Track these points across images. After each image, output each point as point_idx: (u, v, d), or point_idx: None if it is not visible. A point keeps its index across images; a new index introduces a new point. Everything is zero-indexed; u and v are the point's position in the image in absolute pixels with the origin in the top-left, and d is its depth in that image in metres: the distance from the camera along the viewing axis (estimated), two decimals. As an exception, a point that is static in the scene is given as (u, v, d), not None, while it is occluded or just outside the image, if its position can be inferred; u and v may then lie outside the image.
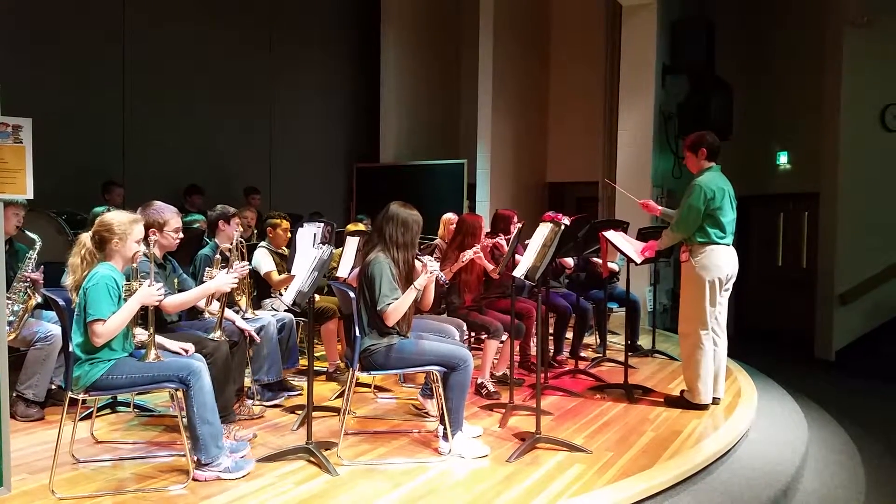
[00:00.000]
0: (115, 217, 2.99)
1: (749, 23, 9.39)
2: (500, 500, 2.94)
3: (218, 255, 3.88)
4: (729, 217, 4.34)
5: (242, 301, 4.18)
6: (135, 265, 3.05)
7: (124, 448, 3.49)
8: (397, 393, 4.71)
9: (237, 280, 3.50)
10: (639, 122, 8.26)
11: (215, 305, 3.73)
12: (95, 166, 6.99)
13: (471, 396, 4.20)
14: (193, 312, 4.16)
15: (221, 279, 3.37)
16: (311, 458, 3.29)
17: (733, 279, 4.43)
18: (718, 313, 4.40)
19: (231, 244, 3.90)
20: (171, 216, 3.55)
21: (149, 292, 2.95)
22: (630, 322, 5.96)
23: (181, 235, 3.61)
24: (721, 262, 4.31)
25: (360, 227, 5.54)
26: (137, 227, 3.03)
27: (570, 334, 5.82)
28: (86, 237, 3.01)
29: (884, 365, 7.13)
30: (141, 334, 3.17)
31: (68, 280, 3.00)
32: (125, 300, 2.94)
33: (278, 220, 5.03)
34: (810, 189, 8.41)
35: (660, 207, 4.92)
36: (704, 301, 4.31)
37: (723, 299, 4.41)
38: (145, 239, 3.11)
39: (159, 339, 3.14)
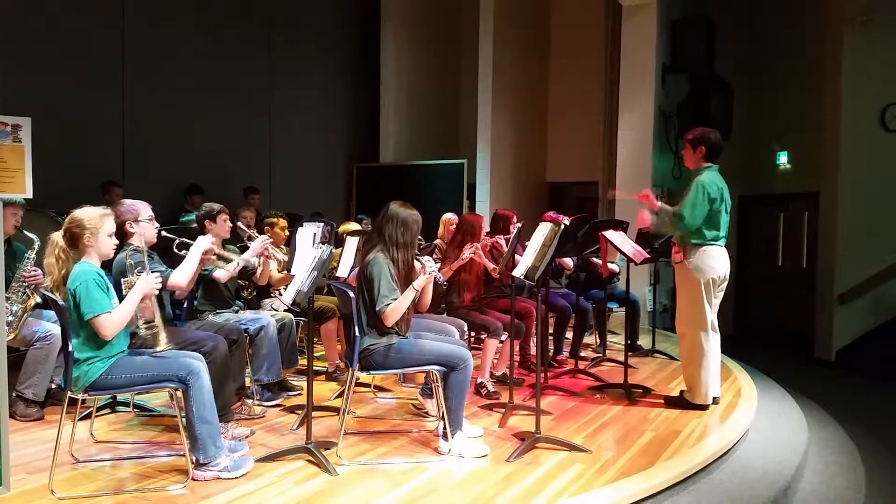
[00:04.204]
0: (85, 213, 2.98)
1: (749, 22, 9.39)
2: (499, 500, 2.94)
3: (130, 262, 3.30)
4: (723, 220, 4.31)
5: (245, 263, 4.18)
6: (130, 262, 3.09)
7: (124, 448, 3.48)
8: (397, 393, 4.70)
9: (159, 283, 3.14)
10: (639, 121, 8.25)
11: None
12: (95, 166, 6.98)
13: (470, 396, 4.20)
14: (194, 312, 4.17)
15: (143, 282, 3.04)
16: (311, 458, 3.29)
17: (727, 280, 4.40)
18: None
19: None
20: (141, 207, 3.61)
21: (148, 282, 3.00)
22: (630, 322, 5.96)
23: (156, 224, 3.64)
24: (715, 262, 4.29)
25: (351, 226, 5.52)
26: (108, 220, 3.02)
27: (569, 334, 5.82)
28: (57, 236, 3.02)
29: (884, 365, 7.13)
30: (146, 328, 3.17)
31: (47, 281, 3.04)
32: (125, 294, 2.97)
33: (275, 219, 5.06)
34: (810, 189, 8.41)
35: (658, 203, 4.62)
36: (701, 302, 4.30)
37: (716, 300, 4.40)
38: (125, 235, 3.11)
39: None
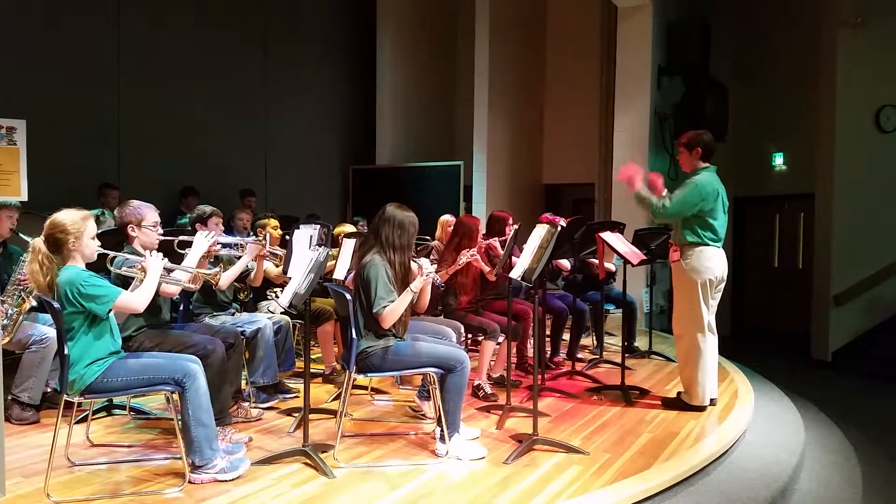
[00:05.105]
0: (67, 216, 2.93)
1: (744, 24, 9.43)
2: (497, 502, 2.94)
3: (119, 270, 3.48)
4: (720, 220, 4.31)
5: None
6: (118, 271, 3.13)
7: (120, 451, 3.47)
8: (394, 395, 4.70)
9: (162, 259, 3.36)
10: (634, 123, 8.27)
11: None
12: (91, 168, 6.95)
13: (468, 398, 4.19)
14: (190, 314, 4.16)
15: (152, 263, 3.19)
16: (308, 461, 3.28)
17: (724, 282, 4.41)
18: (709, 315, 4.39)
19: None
20: (147, 212, 3.52)
21: (156, 261, 3.04)
22: (627, 323, 5.95)
23: (161, 230, 3.59)
24: (711, 263, 4.30)
25: (347, 228, 5.51)
26: (90, 223, 2.97)
27: (566, 336, 5.82)
28: (39, 242, 2.94)
29: (880, 365, 7.15)
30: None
31: (32, 289, 3.01)
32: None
33: (266, 220, 5.05)
34: (806, 190, 8.43)
35: (640, 184, 4.35)
36: (698, 302, 4.30)
37: (713, 301, 4.40)
38: (127, 237, 3.11)
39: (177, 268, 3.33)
